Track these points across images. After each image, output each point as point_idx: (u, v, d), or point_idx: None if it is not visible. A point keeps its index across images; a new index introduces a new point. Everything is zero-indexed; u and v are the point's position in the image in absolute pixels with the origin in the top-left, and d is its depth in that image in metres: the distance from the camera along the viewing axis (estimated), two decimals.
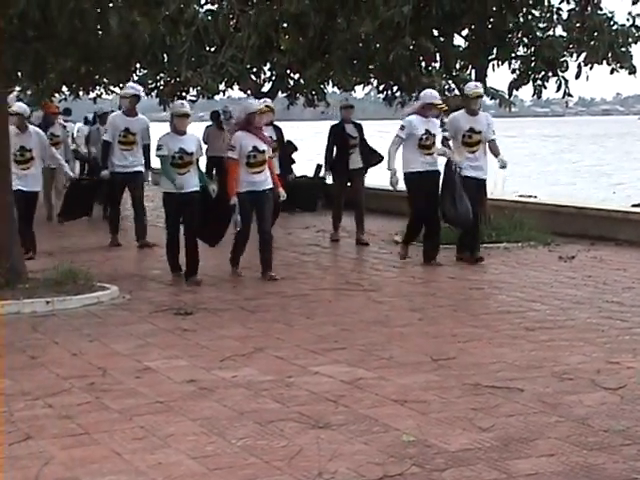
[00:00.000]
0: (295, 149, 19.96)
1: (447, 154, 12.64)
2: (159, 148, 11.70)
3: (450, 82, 16.42)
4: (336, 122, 15.38)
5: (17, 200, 12.28)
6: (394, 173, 12.62)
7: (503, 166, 12.74)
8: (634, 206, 19.19)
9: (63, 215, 16.69)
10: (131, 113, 15.09)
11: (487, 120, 12.93)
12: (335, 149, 15.11)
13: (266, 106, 12.92)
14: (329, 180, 15.87)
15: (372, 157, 15.25)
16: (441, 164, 12.72)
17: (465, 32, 15.61)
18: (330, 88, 20.80)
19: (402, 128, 12.59)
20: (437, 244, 12.73)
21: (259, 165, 11.60)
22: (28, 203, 13.38)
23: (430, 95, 12.81)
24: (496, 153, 12.87)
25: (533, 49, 15.22)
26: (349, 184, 15.23)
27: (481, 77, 15.34)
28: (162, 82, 22.82)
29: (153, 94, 24.00)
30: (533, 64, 15.18)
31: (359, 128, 15.20)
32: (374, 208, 17.65)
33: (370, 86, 19.20)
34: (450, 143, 13.00)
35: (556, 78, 15.34)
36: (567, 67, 15.24)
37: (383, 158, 14.43)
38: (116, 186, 15.19)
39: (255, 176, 11.58)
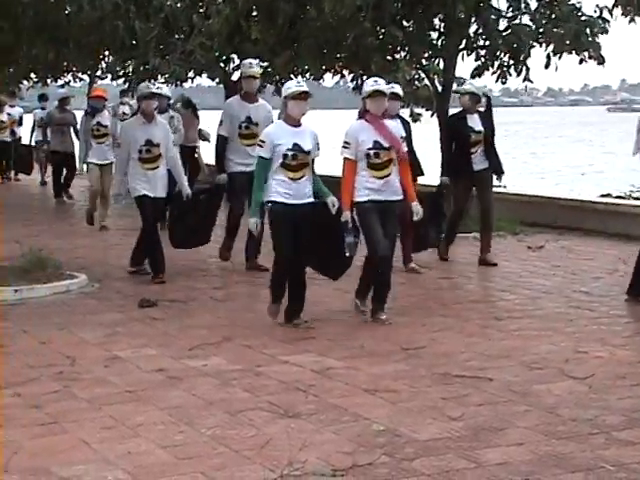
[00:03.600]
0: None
1: None
2: (260, 144, 8.70)
3: (420, 72, 16.31)
4: (456, 111, 12.47)
5: (142, 210, 10.62)
6: None
7: None
8: (602, 196, 19.32)
9: (174, 241, 11.52)
10: (251, 98, 11.67)
11: None
12: (454, 146, 12.08)
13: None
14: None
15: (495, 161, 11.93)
16: None
17: (435, 21, 15.55)
18: (300, 77, 20.70)
19: None
20: None
21: (383, 167, 8.79)
22: (155, 213, 10.82)
23: None
24: None
25: (496, 39, 15.08)
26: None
27: (450, 67, 15.31)
28: (130, 69, 22.73)
29: (120, 81, 24.01)
30: (498, 51, 15.05)
31: (486, 118, 11.86)
32: None
33: (339, 75, 19.12)
34: None
35: (518, 64, 15.14)
36: (529, 54, 15.13)
37: (503, 172, 11.99)
38: (235, 191, 11.45)
39: (379, 181, 8.83)
